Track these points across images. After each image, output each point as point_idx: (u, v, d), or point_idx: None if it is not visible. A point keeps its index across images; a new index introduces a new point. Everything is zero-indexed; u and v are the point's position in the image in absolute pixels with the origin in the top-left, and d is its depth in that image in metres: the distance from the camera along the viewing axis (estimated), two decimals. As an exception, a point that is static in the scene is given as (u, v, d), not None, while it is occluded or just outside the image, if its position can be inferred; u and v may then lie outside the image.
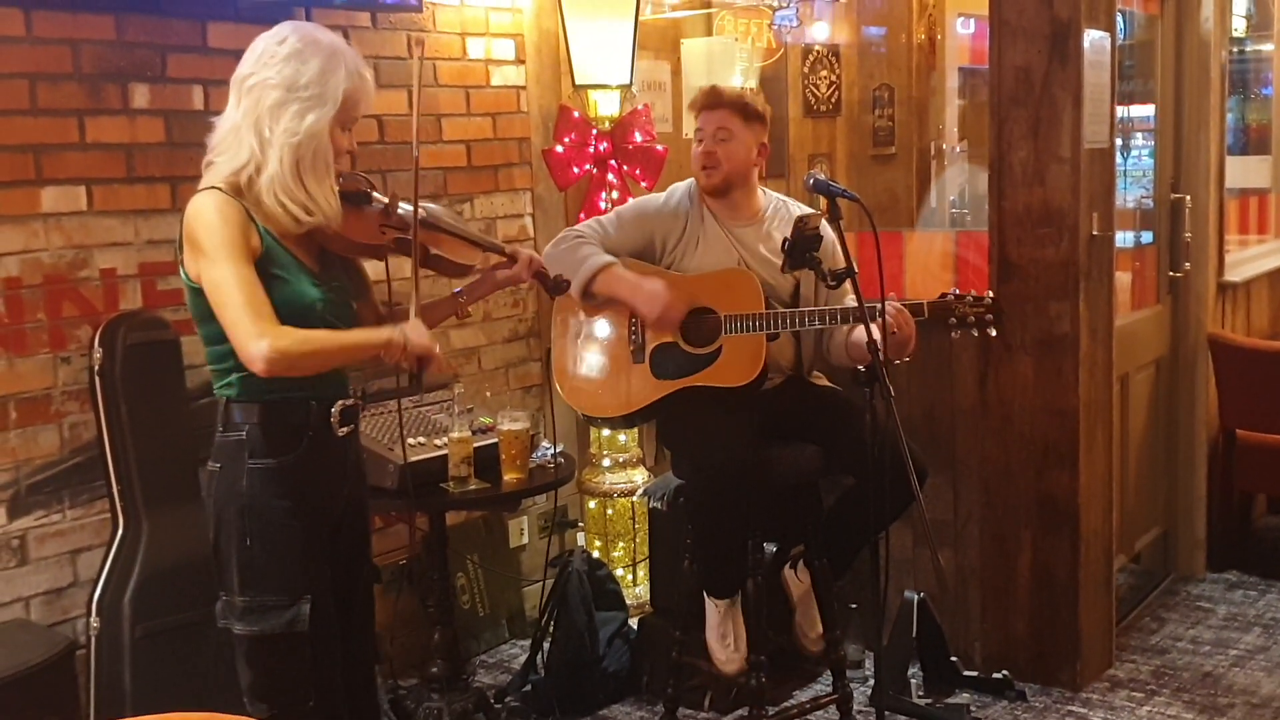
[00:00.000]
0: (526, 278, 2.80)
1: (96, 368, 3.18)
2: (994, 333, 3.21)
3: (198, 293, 2.39)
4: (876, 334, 2.89)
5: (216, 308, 2.32)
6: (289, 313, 2.35)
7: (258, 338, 2.28)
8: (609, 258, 3.33)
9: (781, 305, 3.34)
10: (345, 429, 2.52)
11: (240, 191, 2.36)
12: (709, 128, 3.38)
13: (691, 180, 3.49)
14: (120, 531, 3.21)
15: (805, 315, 3.22)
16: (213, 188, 2.36)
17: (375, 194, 2.58)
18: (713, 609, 3.38)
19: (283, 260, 2.39)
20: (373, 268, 2.67)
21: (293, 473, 2.43)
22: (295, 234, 2.40)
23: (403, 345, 2.43)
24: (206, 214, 2.33)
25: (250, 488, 2.41)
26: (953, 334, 3.22)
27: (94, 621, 3.16)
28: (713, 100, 3.40)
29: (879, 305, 2.95)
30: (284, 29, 2.41)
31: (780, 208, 3.47)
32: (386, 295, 2.68)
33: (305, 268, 2.43)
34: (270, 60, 2.36)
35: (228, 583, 2.45)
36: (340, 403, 2.50)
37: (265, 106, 2.35)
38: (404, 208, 2.59)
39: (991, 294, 3.20)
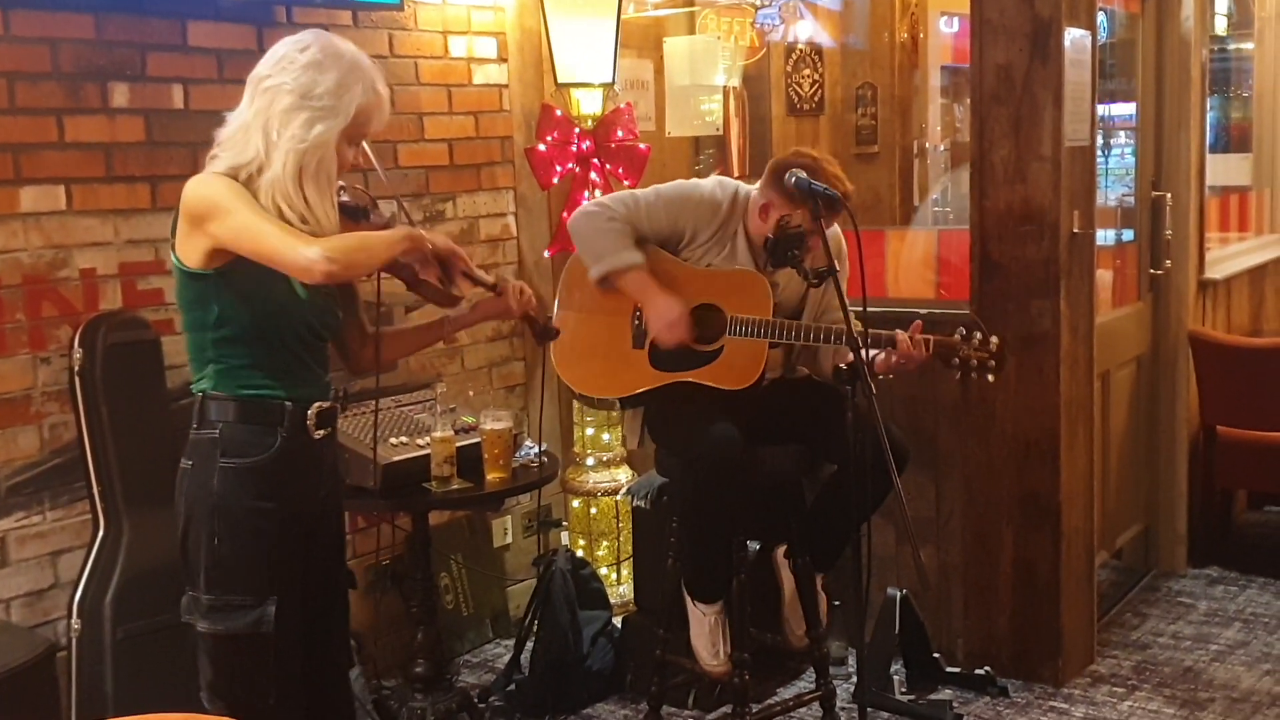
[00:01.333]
0: (516, 315, 2.80)
1: (76, 368, 3.17)
2: (991, 379, 3.10)
3: (190, 276, 2.39)
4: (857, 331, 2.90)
5: (253, 244, 2.30)
6: (267, 307, 2.37)
7: (306, 245, 2.28)
8: (638, 257, 3.27)
9: (787, 315, 3.29)
10: (321, 432, 2.51)
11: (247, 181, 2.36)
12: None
13: (742, 187, 3.36)
14: (101, 533, 3.20)
15: (809, 331, 3.17)
16: (213, 173, 2.37)
17: (374, 212, 2.59)
18: (700, 616, 3.36)
19: None
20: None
21: (265, 473, 2.42)
22: None
23: (423, 239, 2.47)
24: (214, 181, 2.34)
25: (221, 486, 2.40)
26: (955, 375, 3.12)
27: (75, 623, 3.15)
28: (850, 197, 3.13)
29: (885, 334, 3.04)
30: (308, 36, 2.42)
31: None
32: (375, 313, 2.69)
33: None
34: (289, 66, 2.37)
35: (194, 580, 2.44)
36: (318, 404, 2.49)
37: (277, 110, 2.35)
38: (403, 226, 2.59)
39: (996, 340, 3.07)
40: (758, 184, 3.31)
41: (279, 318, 2.38)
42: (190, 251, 2.37)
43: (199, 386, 2.45)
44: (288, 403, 2.45)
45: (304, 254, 2.27)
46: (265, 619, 2.41)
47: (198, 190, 2.34)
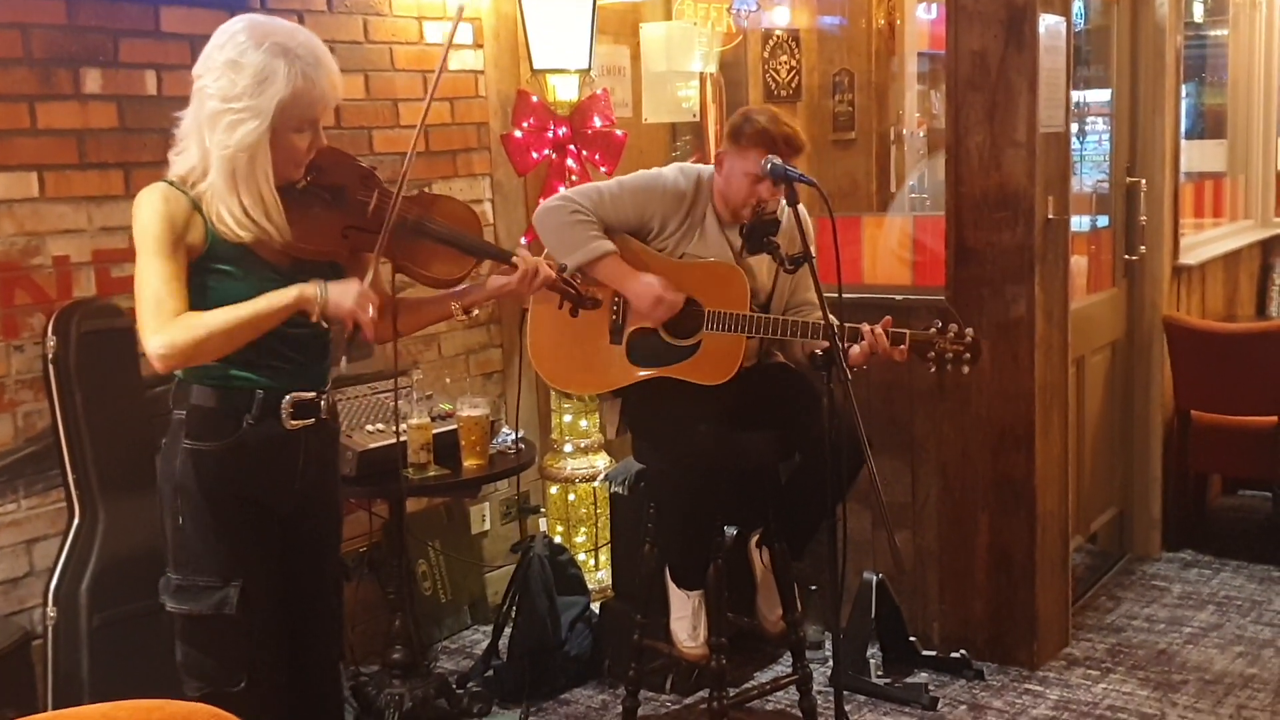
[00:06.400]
0: (526, 293, 2.64)
1: (50, 356, 3.16)
2: (966, 370, 3.11)
3: None
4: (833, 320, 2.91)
5: (136, 299, 2.32)
6: (228, 303, 2.32)
7: (152, 333, 2.27)
8: (609, 245, 3.26)
9: (759, 304, 3.31)
10: (297, 422, 2.46)
11: (192, 187, 2.34)
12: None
13: (704, 170, 3.36)
14: (76, 520, 3.19)
15: (787, 325, 3.18)
16: (164, 180, 2.35)
17: (360, 189, 2.44)
18: (682, 600, 3.38)
19: (230, 256, 2.35)
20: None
21: (223, 458, 2.41)
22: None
23: (320, 305, 2.34)
24: (142, 208, 2.32)
25: (182, 467, 2.41)
26: (930, 369, 3.11)
27: (51, 611, 3.15)
28: (798, 148, 3.19)
29: (858, 328, 3.03)
30: (235, 24, 2.33)
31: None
32: (393, 283, 2.62)
33: (266, 264, 2.38)
34: (210, 65, 2.32)
35: (166, 559, 2.47)
36: (293, 395, 2.45)
37: (205, 115, 2.32)
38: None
39: (971, 331, 3.09)
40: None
41: None
42: None
43: (177, 372, 2.44)
44: (259, 391, 2.42)
45: (146, 343, 2.28)
46: (227, 601, 2.41)
47: (135, 213, 2.33)
